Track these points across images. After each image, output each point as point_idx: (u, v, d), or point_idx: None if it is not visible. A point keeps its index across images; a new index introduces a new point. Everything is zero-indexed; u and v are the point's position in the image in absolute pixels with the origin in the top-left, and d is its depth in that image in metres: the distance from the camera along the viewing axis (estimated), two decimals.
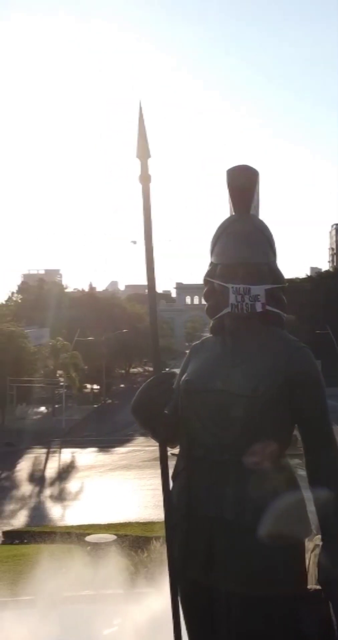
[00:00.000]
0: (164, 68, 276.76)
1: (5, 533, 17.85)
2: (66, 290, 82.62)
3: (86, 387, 58.20)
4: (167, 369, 3.60)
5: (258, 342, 3.22)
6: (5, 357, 39.33)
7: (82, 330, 54.84)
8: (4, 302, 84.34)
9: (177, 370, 3.52)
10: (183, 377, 3.39)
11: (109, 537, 14.15)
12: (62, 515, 22.70)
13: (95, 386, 59.96)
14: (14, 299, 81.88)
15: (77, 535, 15.00)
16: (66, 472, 30.33)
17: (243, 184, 3.27)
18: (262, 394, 3.08)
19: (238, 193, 3.28)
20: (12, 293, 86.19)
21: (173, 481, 3.37)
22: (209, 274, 3.34)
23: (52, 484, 28.44)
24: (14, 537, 16.98)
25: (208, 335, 3.48)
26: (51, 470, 31.30)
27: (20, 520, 22.26)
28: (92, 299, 72.01)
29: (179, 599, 3.36)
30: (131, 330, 57.54)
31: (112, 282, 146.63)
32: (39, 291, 75.37)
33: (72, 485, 27.39)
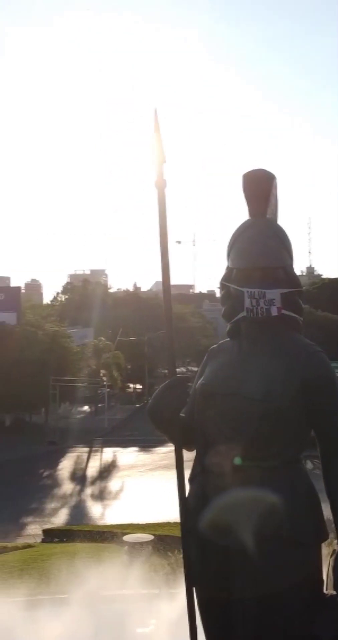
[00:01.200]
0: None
1: (45, 531, 18.05)
2: (110, 291, 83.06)
3: (128, 387, 58.42)
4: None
5: (274, 346, 3.22)
6: (49, 356, 39.73)
7: (125, 330, 55.08)
8: (49, 303, 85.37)
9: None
10: (199, 381, 3.41)
11: (147, 537, 14.15)
12: (102, 514, 22.85)
13: (138, 386, 60.14)
14: (59, 299, 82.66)
15: (115, 534, 15.08)
16: (107, 471, 30.49)
17: (257, 188, 3.26)
18: (276, 399, 3.07)
19: (253, 197, 3.28)
20: (57, 293, 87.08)
21: (190, 484, 3.39)
22: (226, 278, 3.34)
23: (93, 482, 28.62)
24: (54, 535, 17.15)
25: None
26: (92, 469, 31.50)
27: (60, 518, 22.48)
28: (135, 299, 72.24)
29: (196, 601, 3.39)
30: (174, 330, 57.48)
31: (156, 282, 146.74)
32: (83, 291, 75.88)
33: (112, 484, 27.55)
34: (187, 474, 3.38)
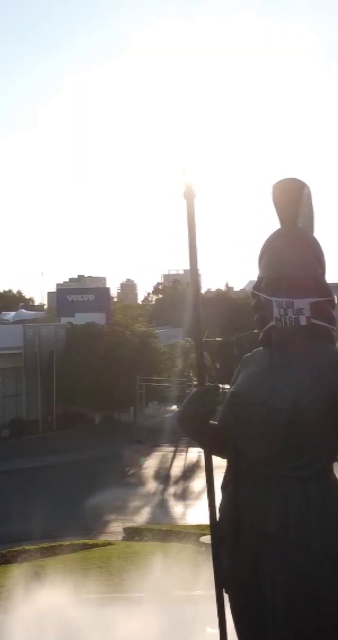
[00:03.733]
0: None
1: (125, 529, 18.23)
2: (202, 291, 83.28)
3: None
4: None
5: (304, 356, 3.21)
6: (137, 356, 40.24)
7: (214, 330, 55.05)
8: (140, 303, 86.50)
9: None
10: (230, 389, 3.43)
11: None
12: (183, 514, 22.91)
13: (226, 386, 59.91)
14: (150, 299, 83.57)
15: (193, 535, 15.11)
16: (190, 471, 30.43)
17: (286, 198, 3.26)
18: (304, 409, 3.07)
19: (282, 207, 3.28)
20: (148, 294, 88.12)
21: (222, 492, 3.43)
22: (256, 287, 3.36)
23: (176, 482, 28.68)
24: (134, 533, 17.27)
25: None
26: (176, 469, 31.58)
27: (142, 517, 22.66)
28: (225, 299, 72.13)
29: (229, 607, 3.42)
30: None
31: (250, 281, 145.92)
32: (173, 292, 76.42)
33: (195, 484, 27.47)
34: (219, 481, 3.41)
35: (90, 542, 16.04)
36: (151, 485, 28.19)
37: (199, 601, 8.47)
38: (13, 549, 14.68)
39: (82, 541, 15.93)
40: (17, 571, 12.43)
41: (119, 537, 17.83)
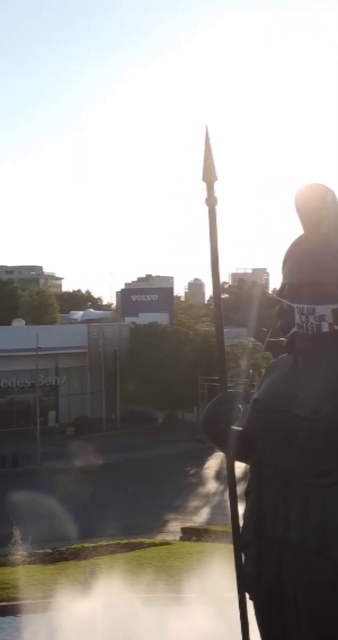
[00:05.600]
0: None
1: (183, 529, 18.27)
2: (268, 290, 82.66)
3: None
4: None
5: (326, 362, 3.17)
6: (199, 356, 40.24)
7: (276, 330, 54.56)
8: (206, 302, 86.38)
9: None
10: (253, 396, 3.42)
11: None
12: (241, 514, 22.84)
13: None
14: None
15: None
16: None
17: (309, 204, 3.22)
18: (323, 416, 3.03)
19: (305, 213, 3.24)
20: None
21: (246, 498, 3.43)
22: (279, 293, 3.34)
23: (237, 483, 28.61)
24: (192, 534, 17.33)
25: None
26: (237, 470, 31.32)
27: (201, 517, 22.66)
28: None
29: (254, 611, 3.42)
30: None
31: None
32: (238, 291, 76.08)
33: None
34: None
35: (147, 541, 16.17)
36: (212, 486, 28.15)
37: (250, 604, 8.45)
38: (71, 547, 14.92)
39: (139, 540, 16.08)
40: (75, 569, 12.63)
41: (177, 537, 17.90)
